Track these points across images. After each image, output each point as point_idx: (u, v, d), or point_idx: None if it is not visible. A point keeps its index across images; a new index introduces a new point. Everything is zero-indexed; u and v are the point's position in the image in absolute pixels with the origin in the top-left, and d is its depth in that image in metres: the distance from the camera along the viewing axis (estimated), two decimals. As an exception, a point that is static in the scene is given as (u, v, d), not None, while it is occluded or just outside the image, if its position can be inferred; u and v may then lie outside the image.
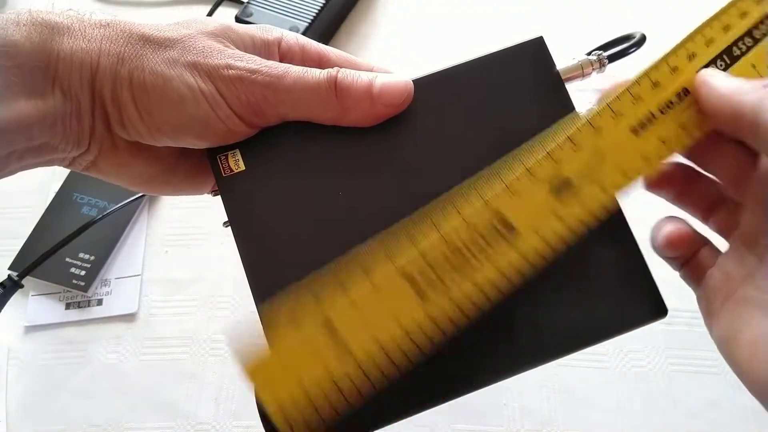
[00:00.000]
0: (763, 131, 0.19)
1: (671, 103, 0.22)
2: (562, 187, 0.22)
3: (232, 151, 0.24)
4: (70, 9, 0.23)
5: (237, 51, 0.24)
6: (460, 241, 0.21)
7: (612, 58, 0.26)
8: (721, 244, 0.24)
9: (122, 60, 0.22)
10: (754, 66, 0.22)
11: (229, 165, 0.24)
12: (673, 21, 0.56)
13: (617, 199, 0.22)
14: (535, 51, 0.25)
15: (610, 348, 0.42)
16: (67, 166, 0.24)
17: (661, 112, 0.22)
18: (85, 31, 0.22)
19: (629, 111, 0.22)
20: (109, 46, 0.22)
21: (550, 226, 0.21)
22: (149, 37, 0.23)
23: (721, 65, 0.22)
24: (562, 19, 0.57)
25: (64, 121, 0.22)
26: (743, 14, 0.22)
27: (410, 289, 0.21)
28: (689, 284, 0.25)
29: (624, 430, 0.39)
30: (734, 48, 0.22)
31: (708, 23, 0.23)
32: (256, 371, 0.20)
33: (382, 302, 0.21)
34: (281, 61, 0.26)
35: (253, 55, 0.24)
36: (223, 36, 0.24)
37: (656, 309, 0.23)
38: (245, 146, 0.24)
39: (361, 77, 0.24)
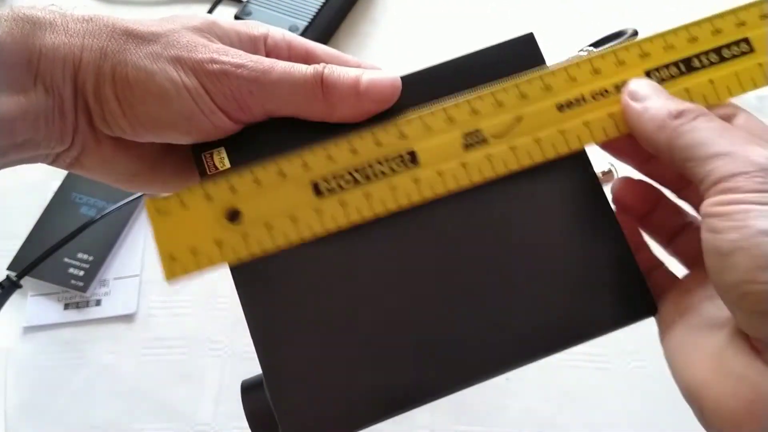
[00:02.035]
0: (678, 165, 0.21)
1: (606, 91, 0.23)
2: (473, 139, 0.23)
3: (218, 149, 0.24)
4: (53, 4, 0.23)
5: (222, 46, 0.24)
6: (368, 158, 0.23)
7: None
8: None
9: (105, 55, 0.22)
10: (687, 90, 0.23)
11: (214, 163, 0.24)
12: (672, 21, 0.56)
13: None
14: (526, 47, 0.25)
15: (611, 349, 0.42)
16: (50, 163, 0.24)
17: (594, 98, 0.23)
18: (67, 26, 0.22)
19: (561, 88, 0.23)
20: (92, 41, 0.22)
21: (451, 170, 0.23)
22: (132, 31, 0.23)
23: (674, 72, 0.23)
24: (560, 19, 0.57)
25: (47, 117, 0.22)
26: (716, 31, 0.23)
27: (310, 185, 0.23)
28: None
29: (625, 431, 0.39)
30: (695, 60, 0.23)
31: (673, 31, 0.24)
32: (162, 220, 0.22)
33: (284, 188, 0.22)
34: (267, 57, 0.26)
35: (238, 50, 0.23)
36: (208, 31, 0.24)
37: (645, 306, 0.23)
38: (231, 143, 0.24)
39: (348, 73, 0.24)
